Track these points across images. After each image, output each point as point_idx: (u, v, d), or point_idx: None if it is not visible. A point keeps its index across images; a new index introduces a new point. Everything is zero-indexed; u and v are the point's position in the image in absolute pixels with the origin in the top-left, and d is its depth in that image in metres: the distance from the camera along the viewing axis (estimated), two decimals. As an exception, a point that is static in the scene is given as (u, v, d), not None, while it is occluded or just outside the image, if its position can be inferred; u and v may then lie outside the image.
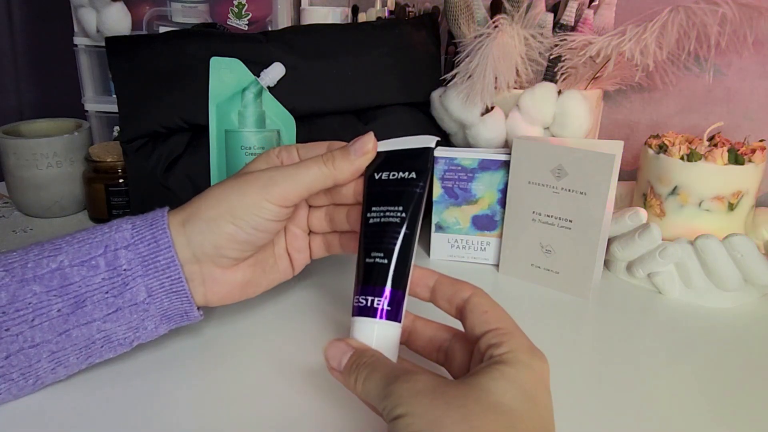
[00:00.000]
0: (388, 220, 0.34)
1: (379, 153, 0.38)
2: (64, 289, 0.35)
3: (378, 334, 0.33)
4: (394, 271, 0.33)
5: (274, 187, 0.36)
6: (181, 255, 0.37)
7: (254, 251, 0.39)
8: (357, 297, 0.34)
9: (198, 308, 0.39)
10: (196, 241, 0.37)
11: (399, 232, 0.34)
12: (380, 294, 0.33)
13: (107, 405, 0.37)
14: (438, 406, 0.26)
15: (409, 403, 0.26)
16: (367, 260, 0.34)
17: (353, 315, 0.34)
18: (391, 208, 0.35)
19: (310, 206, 0.43)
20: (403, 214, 0.34)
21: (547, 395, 0.29)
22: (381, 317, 0.33)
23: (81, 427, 0.35)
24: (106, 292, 0.35)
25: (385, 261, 0.33)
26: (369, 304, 0.33)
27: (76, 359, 0.36)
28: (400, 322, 0.33)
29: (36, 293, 0.34)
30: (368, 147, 0.37)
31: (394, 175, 0.36)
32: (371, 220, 0.35)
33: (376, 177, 0.37)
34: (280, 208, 0.37)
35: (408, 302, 0.34)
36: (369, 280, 0.34)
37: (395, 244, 0.34)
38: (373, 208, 0.35)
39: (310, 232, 0.44)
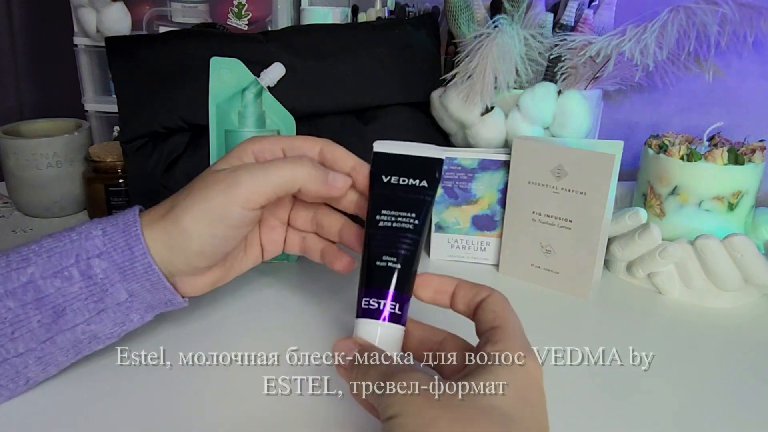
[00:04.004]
0: (401, 226, 0.35)
1: (385, 154, 0.37)
2: (40, 302, 0.34)
3: (381, 336, 0.33)
4: (403, 275, 0.34)
5: (237, 188, 0.34)
6: (157, 259, 0.35)
7: (225, 255, 0.38)
8: (363, 299, 0.34)
9: (183, 297, 0.38)
10: (166, 257, 0.35)
11: (411, 239, 0.35)
12: (387, 297, 0.33)
13: (104, 404, 0.37)
14: (432, 406, 0.26)
15: (403, 402, 0.27)
16: (378, 263, 0.34)
17: (357, 316, 0.34)
18: (404, 214, 0.35)
19: (295, 202, 0.42)
20: (416, 221, 0.35)
21: (542, 396, 0.29)
22: (385, 320, 0.33)
23: (79, 427, 0.35)
24: (86, 299, 0.35)
25: (396, 265, 0.34)
26: (375, 306, 0.33)
27: (65, 357, 0.36)
28: (403, 325, 0.34)
29: (11, 308, 0.34)
30: (338, 184, 0.37)
31: (404, 180, 0.36)
32: (381, 223, 0.35)
33: (385, 179, 0.36)
34: (245, 210, 0.35)
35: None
36: (376, 283, 0.34)
37: (407, 250, 0.34)
38: (384, 211, 0.35)
39: (289, 227, 0.42)
